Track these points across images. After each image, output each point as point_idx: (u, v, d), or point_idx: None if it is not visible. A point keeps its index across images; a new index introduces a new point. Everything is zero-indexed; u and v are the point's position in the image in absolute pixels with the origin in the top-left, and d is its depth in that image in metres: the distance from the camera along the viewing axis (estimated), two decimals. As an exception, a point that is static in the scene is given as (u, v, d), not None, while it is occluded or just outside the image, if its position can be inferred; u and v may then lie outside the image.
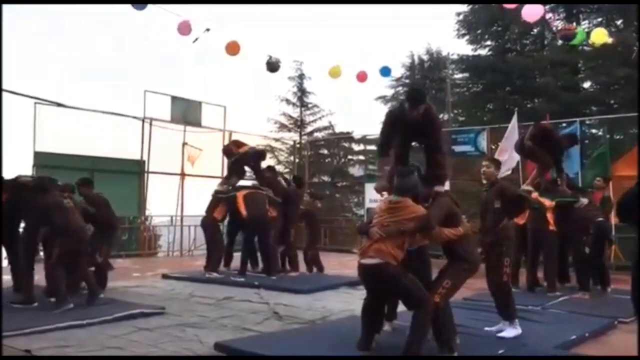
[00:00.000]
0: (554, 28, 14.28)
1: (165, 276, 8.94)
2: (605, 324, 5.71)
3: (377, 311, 4.58)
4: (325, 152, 22.59)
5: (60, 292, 6.05)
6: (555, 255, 7.64)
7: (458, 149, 12.95)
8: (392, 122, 5.03)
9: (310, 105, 22.24)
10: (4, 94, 9.80)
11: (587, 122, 13.23)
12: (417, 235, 4.41)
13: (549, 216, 7.62)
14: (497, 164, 5.81)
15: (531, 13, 8.94)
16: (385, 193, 4.93)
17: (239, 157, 9.49)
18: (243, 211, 8.85)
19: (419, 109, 4.71)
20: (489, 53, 18.40)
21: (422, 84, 21.26)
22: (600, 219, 7.69)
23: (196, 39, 9.49)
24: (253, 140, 10.59)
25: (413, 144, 5.19)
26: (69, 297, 6.08)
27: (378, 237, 4.19)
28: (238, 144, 9.99)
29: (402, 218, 4.24)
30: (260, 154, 9.80)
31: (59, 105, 11.25)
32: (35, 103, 10.79)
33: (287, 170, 20.59)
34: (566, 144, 8.10)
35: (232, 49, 10.05)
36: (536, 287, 7.70)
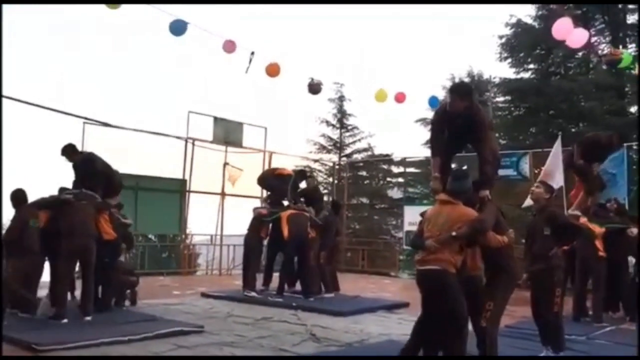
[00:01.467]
0: (599, 52, 14.04)
1: (204, 294, 9.03)
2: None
3: (428, 329, 4.45)
4: (364, 173, 22.57)
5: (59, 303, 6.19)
6: (603, 284, 7.37)
7: (500, 172, 12.71)
8: (439, 120, 4.96)
9: (349, 127, 22.35)
10: (57, 114, 10.24)
11: (634, 147, 12.87)
12: (469, 262, 4.34)
13: (598, 242, 7.38)
14: (549, 188, 5.61)
15: (576, 39, 8.78)
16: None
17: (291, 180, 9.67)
18: (285, 232, 8.93)
19: (463, 100, 4.60)
20: (531, 76, 18.16)
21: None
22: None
23: (247, 68, 9.69)
24: (292, 162, 10.68)
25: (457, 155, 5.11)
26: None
27: (434, 249, 4.15)
28: (276, 173, 10.13)
29: (453, 223, 4.18)
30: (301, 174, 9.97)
31: (106, 125, 11.58)
32: (84, 123, 11.14)
33: (325, 191, 20.66)
34: (616, 141, 7.91)
35: (272, 70, 10.21)
36: (582, 317, 7.39)
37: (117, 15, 8.07)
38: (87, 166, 7.05)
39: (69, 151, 7.17)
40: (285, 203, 9.62)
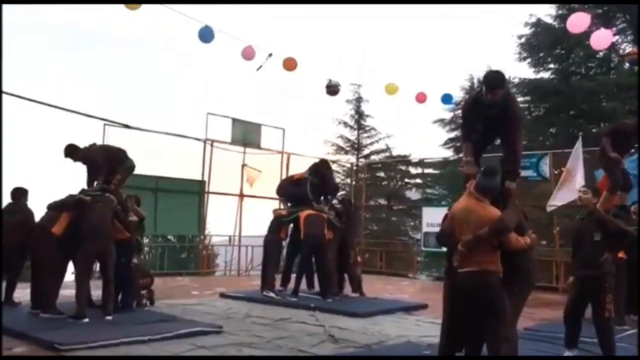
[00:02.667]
0: (621, 51, 13.85)
1: (223, 295, 9.09)
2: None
3: (463, 332, 4.39)
4: (382, 174, 22.51)
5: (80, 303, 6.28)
6: (624, 286, 7.28)
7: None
8: (471, 109, 4.87)
9: (367, 128, 22.32)
10: (76, 116, 10.37)
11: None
12: None
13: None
14: (596, 191, 5.56)
15: (600, 40, 8.68)
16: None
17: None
18: (302, 232, 8.97)
19: (496, 93, 4.48)
20: (551, 76, 17.98)
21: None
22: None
23: (260, 67, 9.74)
24: (310, 163, 10.68)
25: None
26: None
27: (465, 254, 4.15)
28: (292, 180, 10.16)
29: (477, 224, 4.15)
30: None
31: (126, 126, 11.71)
32: (105, 124, 11.28)
33: (343, 192, 20.65)
34: None
35: (289, 65, 10.26)
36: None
37: (136, 17, 8.13)
38: (86, 161, 7.24)
39: (71, 151, 7.33)
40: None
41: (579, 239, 5.25)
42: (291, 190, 9.98)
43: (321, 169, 9.98)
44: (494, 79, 4.59)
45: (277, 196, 10.48)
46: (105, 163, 7.35)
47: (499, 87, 4.50)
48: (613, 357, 4.65)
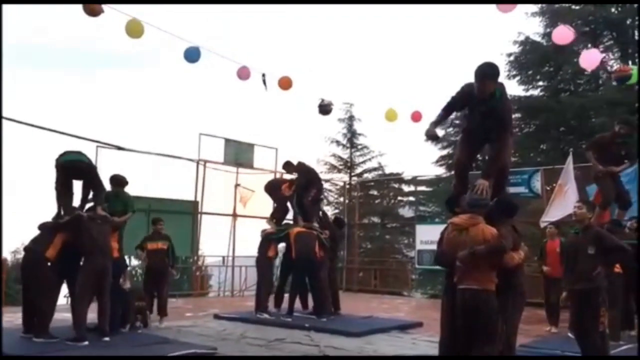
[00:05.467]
0: (609, 68, 14.00)
1: (217, 316, 9.03)
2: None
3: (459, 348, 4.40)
4: (375, 193, 22.53)
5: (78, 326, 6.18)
6: (620, 301, 7.29)
7: (511, 190, 12.68)
8: (462, 97, 4.71)
9: (359, 146, 22.42)
10: (69, 138, 10.34)
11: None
12: None
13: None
14: (591, 206, 5.58)
15: (589, 60, 8.75)
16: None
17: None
18: (293, 251, 8.96)
19: (486, 84, 4.38)
20: (541, 93, 18.17)
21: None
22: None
23: (265, 87, 9.82)
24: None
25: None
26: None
27: (464, 269, 4.19)
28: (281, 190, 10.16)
29: (472, 242, 4.21)
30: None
31: (119, 148, 11.69)
32: (97, 147, 11.26)
33: (336, 211, 20.64)
34: (623, 130, 7.88)
35: (284, 83, 10.31)
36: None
37: (129, 41, 8.16)
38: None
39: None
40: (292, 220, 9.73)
41: (573, 254, 5.27)
42: (277, 196, 10.02)
43: (297, 166, 9.94)
44: (484, 69, 4.47)
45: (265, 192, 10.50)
46: None
47: (489, 79, 4.40)
48: (613, 357, 4.64)
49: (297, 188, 9.75)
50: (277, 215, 10.01)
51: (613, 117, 15.57)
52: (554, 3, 17.03)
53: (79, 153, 7.09)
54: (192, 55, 8.90)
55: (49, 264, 6.41)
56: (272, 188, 10.39)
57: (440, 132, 4.69)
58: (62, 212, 6.82)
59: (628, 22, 16.96)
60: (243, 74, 9.65)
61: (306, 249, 8.88)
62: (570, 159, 10.98)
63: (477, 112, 4.70)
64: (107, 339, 6.29)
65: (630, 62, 16.35)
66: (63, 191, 6.90)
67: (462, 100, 4.76)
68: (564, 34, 8.62)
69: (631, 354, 6.37)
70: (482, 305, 4.12)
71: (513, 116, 18.16)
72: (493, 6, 7.16)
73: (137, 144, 13.32)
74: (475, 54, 43.18)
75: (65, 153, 6.90)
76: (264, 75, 9.82)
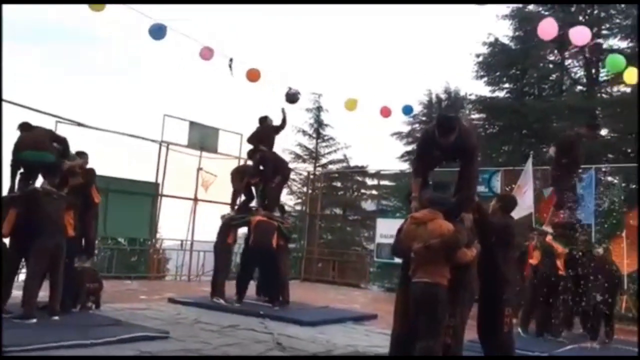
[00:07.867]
0: (573, 75, 14.25)
1: (171, 300, 8.92)
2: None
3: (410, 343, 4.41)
4: (339, 184, 22.61)
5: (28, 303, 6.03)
6: (563, 302, 7.54)
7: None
8: (427, 145, 4.89)
9: (326, 137, 22.44)
10: (27, 111, 10.01)
11: (603, 169, 13.13)
12: None
13: (559, 262, 7.56)
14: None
15: (579, 35, 8.57)
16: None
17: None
18: (250, 239, 8.95)
19: (449, 137, 4.56)
20: (506, 95, 18.48)
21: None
22: (614, 267, 7.61)
23: (232, 72, 9.69)
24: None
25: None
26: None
27: (418, 263, 4.25)
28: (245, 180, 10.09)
29: (428, 236, 4.28)
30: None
31: (80, 124, 11.43)
32: (57, 122, 10.97)
33: (299, 200, 20.65)
34: (587, 132, 8.14)
35: (253, 76, 10.23)
36: (545, 333, 7.53)
37: (95, 16, 7.96)
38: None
39: None
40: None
41: None
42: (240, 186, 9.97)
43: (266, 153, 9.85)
44: (446, 124, 4.63)
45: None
46: None
47: (450, 133, 4.57)
48: (609, 357, 4.76)
49: (263, 175, 9.68)
50: (241, 202, 9.93)
51: (574, 122, 16.03)
52: (561, 3, 17.16)
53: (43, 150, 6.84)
54: (157, 32, 8.75)
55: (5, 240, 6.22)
56: (239, 174, 10.28)
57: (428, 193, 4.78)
58: (16, 187, 6.64)
59: (594, 30, 17.32)
60: (205, 54, 9.55)
61: (263, 238, 8.83)
62: (530, 161, 11.22)
63: (442, 153, 4.86)
64: (56, 317, 6.17)
65: (593, 70, 16.83)
66: (18, 166, 6.71)
67: (427, 147, 4.90)
68: (548, 29, 8.53)
69: (575, 354, 6.57)
70: (432, 298, 4.19)
71: (478, 116, 18.55)
72: (467, 5, 7.16)
73: (98, 122, 12.96)
74: (445, 53, 43.63)
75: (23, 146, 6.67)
76: (231, 60, 9.73)
